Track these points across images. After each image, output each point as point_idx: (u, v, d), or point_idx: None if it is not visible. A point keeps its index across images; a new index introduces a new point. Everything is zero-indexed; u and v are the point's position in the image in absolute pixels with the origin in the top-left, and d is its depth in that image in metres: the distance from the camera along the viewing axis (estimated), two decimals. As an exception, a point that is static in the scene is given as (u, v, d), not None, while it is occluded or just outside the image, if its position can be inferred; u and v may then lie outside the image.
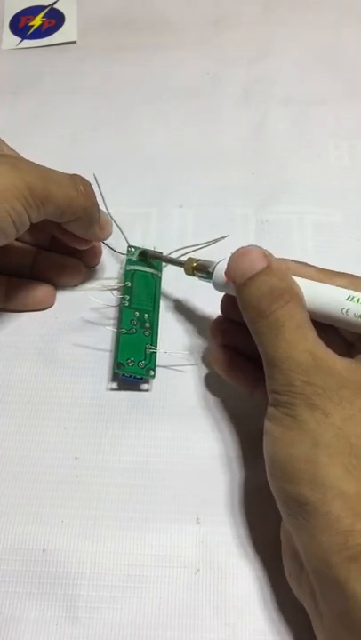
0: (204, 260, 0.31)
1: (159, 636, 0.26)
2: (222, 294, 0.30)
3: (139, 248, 0.35)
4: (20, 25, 0.50)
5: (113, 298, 0.34)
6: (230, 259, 0.27)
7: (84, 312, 0.35)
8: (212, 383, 0.32)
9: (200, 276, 0.31)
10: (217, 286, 0.29)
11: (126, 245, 0.35)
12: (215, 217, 0.39)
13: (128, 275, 0.34)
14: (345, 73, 0.47)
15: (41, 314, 0.35)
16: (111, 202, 0.39)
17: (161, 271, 0.35)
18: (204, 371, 0.33)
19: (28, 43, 0.49)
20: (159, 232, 0.38)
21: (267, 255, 0.26)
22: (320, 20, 0.50)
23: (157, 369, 0.32)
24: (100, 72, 0.46)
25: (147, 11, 0.50)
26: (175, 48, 0.48)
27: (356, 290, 0.26)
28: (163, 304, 0.35)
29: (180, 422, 0.31)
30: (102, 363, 0.33)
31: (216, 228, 0.38)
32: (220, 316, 0.31)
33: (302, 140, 0.43)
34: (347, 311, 0.26)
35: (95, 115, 0.44)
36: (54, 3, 0.51)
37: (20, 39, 0.49)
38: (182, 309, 0.35)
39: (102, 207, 0.34)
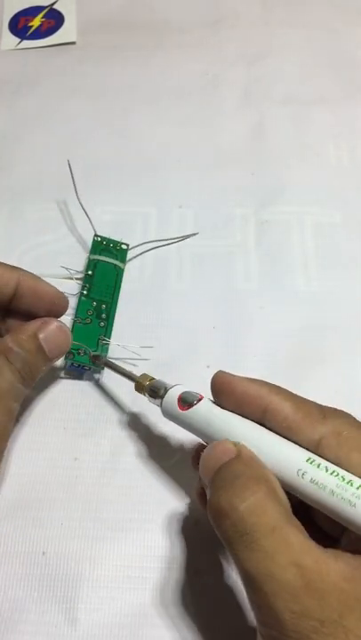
0: (157, 381, 0.27)
1: (159, 637, 0.26)
2: None
3: (105, 238, 0.35)
4: (20, 25, 0.49)
5: (75, 287, 0.34)
6: (202, 456, 0.23)
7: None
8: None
9: (149, 399, 0.27)
10: (166, 414, 0.26)
11: (93, 234, 0.35)
12: (215, 217, 0.38)
13: (91, 264, 0.34)
14: (345, 73, 0.46)
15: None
16: (111, 202, 0.39)
17: (125, 263, 0.35)
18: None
19: (27, 43, 0.48)
20: (159, 232, 0.38)
21: (237, 444, 0.22)
22: (320, 20, 0.50)
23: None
24: (100, 72, 0.46)
25: (146, 11, 0.50)
26: (175, 48, 0.48)
27: (339, 442, 0.21)
28: (122, 296, 0.34)
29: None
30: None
31: (216, 229, 0.38)
32: (200, 444, 0.27)
33: (302, 140, 0.43)
34: (303, 475, 0.21)
35: (95, 115, 0.44)
36: (54, 3, 0.51)
37: (19, 40, 0.49)
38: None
39: (73, 196, 0.34)
